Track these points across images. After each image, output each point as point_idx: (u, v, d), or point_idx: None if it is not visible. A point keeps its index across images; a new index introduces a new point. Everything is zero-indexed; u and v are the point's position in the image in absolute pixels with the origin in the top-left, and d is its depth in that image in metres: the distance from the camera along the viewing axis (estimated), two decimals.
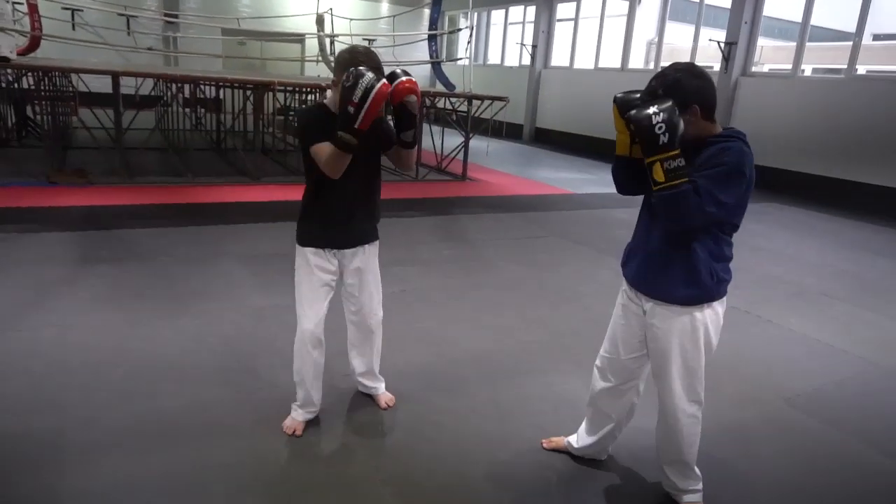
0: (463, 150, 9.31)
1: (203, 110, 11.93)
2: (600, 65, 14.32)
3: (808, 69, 13.43)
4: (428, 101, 9.59)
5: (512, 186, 9.18)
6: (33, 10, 9.83)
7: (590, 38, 14.65)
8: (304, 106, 2.08)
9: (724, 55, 10.74)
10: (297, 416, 2.60)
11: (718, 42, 10.72)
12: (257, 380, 2.98)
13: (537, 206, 7.79)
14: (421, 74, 19.30)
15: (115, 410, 2.63)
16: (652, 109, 1.79)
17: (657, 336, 2.07)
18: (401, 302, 4.05)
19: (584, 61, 14.84)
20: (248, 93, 9.96)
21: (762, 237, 6.69)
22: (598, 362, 2.34)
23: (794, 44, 10.40)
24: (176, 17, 14.78)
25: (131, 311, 3.68)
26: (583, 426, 2.46)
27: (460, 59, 13.81)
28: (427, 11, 18.89)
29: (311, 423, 2.63)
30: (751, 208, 2.02)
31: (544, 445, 2.58)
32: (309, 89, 9.69)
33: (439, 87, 12.24)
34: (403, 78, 2.26)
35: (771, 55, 19.84)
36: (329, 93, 2.40)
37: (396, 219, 6.57)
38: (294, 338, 2.55)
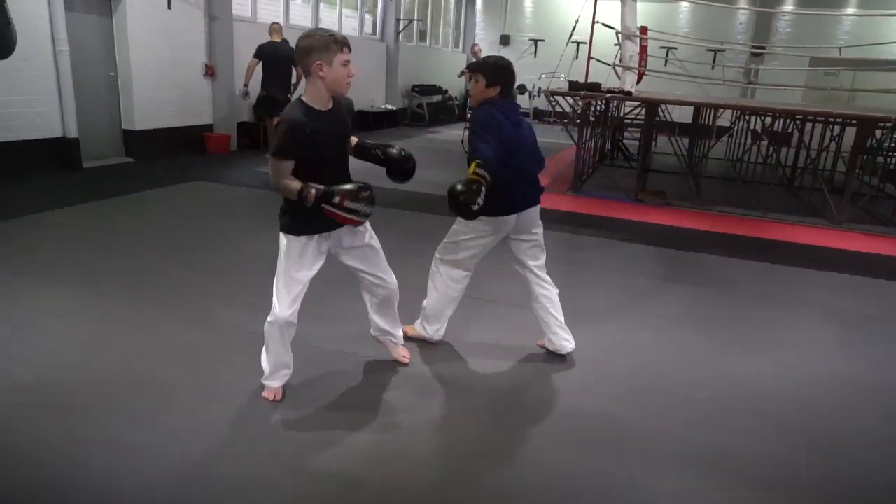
0: None
1: (774, 143, 11.54)
2: None
3: None
4: None
5: None
6: (643, 50, 11.31)
7: None
8: (287, 107, 2.45)
9: None
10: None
11: None
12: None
13: None
14: None
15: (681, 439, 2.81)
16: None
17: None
18: None
19: None
20: (833, 128, 9.11)
21: None
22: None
23: None
24: (763, 48, 14.72)
25: (706, 334, 3.87)
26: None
27: None
28: None
29: None
30: None
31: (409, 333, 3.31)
32: None
33: None
34: (335, 209, 2.38)
35: None
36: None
37: None
38: None
